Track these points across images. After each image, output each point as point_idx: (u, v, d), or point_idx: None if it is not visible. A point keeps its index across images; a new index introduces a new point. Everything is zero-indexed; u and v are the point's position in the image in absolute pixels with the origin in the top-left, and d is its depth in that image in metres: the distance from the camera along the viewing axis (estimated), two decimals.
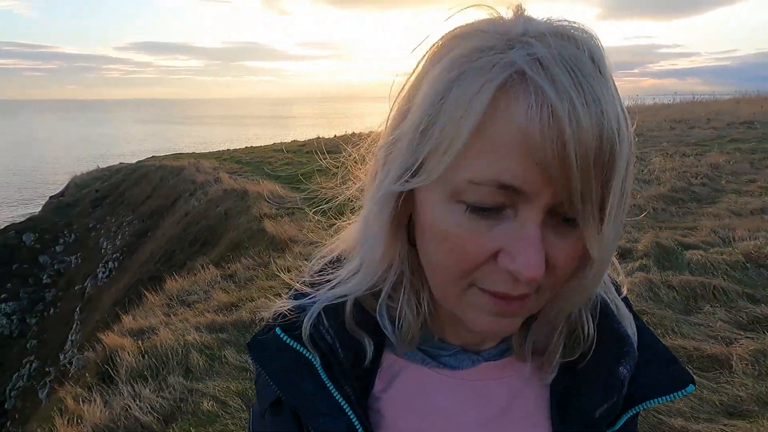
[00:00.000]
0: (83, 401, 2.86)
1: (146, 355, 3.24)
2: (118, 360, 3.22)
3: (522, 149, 0.40)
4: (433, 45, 0.46)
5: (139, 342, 3.44)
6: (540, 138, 0.39)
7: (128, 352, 3.27)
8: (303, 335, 0.54)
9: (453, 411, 0.55)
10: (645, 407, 0.55)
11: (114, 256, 12.97)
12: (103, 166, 21.63)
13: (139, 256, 11.71)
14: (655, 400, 0.54)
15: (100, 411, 2.63)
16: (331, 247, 0.61)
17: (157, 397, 2.79)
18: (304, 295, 0.57)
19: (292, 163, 14.56)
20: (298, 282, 0.59)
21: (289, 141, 22.53)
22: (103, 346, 3.51)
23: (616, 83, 0.43)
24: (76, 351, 8.90)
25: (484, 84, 0.40)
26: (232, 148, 21.71)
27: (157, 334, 3.56)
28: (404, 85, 0.49)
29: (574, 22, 0.43)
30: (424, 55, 0.47)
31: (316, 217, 0.63)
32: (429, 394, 0.56)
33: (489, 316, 0.47)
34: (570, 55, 0.40)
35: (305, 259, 4.28)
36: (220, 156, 18.27)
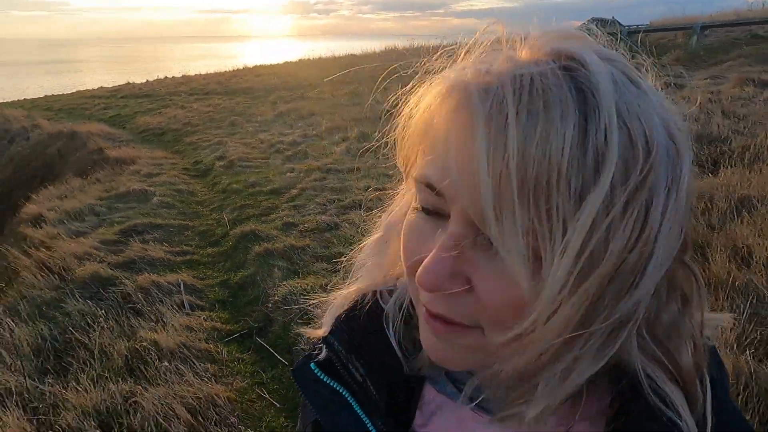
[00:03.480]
0: None
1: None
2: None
3: (449, 151, 0.39)
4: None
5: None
6: (462, 144, 0.37)
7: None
8: (334, 370, 0.53)
9: None
10: None
11: None
12: None
13: None
14: None
15: None
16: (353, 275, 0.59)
17: None
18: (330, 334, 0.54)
19: (110, 107, 15.39)
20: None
21: (97, 87, 22.19)
22: None
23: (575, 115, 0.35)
24: None
25: (435, 89, 0.42)
26: (29, 98, 20.72)
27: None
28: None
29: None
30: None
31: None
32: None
33: (428, 333, 0.44)
34: (520, 74, 0.37)
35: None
36: (23, 105, 17.81)
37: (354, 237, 4.04)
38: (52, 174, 10.48)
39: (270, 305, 3.42)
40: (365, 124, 8.54)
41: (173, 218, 5.37)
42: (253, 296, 3.64)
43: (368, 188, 5.38)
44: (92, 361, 2.86)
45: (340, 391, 0.53)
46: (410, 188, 0.47)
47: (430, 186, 0.40)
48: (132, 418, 2.35)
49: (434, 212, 0.42)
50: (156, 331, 3.05)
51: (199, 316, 3.34)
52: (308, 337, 0.57)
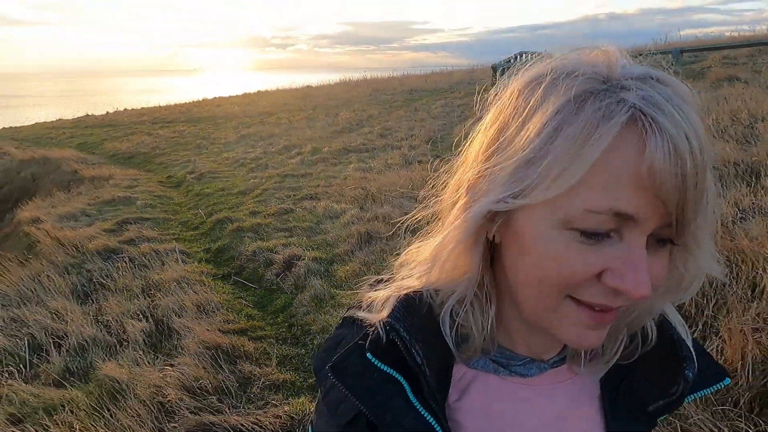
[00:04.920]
0: None
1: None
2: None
3: (642, 182, 0.44)
4: (536, 77, 0.49)
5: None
6: (665, 171, 0.42)
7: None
8: (388, 356, 0.56)
9: (524, 416, 0.59)
10: (688, 401, 0.61)
11: None
12: None
13: None
14: (697, 394, 0.61)
15: None
16: (398, 276, 0.63)
17: None
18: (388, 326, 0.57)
19: (75, 136, 16.20)
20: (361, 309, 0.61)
21: (56, 119, 22.77)
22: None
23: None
24: None
25: (608, 121, 0.44)
26: None
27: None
28: (496, 114, 0.52)
29: (658, 66, 0.48)
30: (521, 88, 0.50)
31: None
32: (502, 401, 0.59)
33: (582, 329, 0.50)
34: (673, 95, 0.44)
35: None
36: None
37: (305, 217, 5.38)
38: (27, 196, 11.25)
39: (243, 258, 4.67)
40: (318, 142, 9.94)
41: (158, 214, 6.53)
42: (229, 256, 4.88)
43: (317, 185, 6.73)
44: (117, 294, 4.02)
45: (395, 375, 0.56)
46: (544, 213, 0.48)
47: (620, 215, 0.45)
48: (155, 311, 3.55)
49: (597, 234, 0.46)
50: (161, 273, 4.24)
51: (191, 267, 4.54)
52: (354, 319, 0.61)
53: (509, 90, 0.52)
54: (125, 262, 4.63)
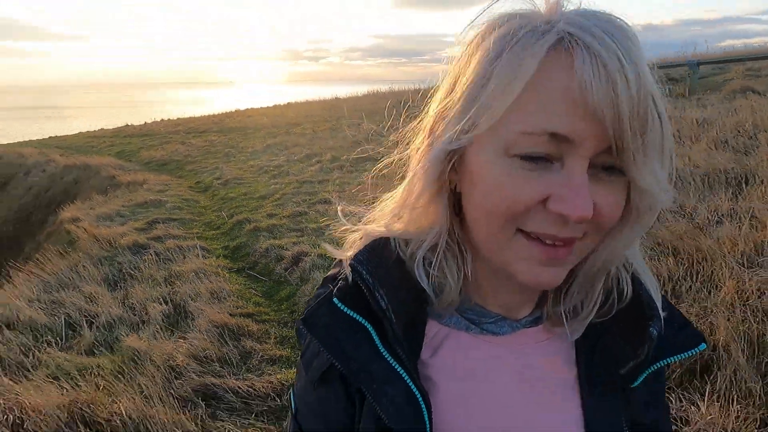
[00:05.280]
0: None
1: None
2: None
3: (573, 101, 0.44)
4: (478, 28, 0.52)
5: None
6: (594, 90, 0.43)
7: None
8: (354, 302, 0.56)
9: (494, 374, 0.59)
10: (662, 364, 0.59)
11: None
12: None
13: None
14: (672, 358, 0.59)
15: None
16: (371, 218, 0.63)
17: None
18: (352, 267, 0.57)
19: (115, 144, 17.21)
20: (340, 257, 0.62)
21: (98, 129, 24.01)
22: None
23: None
24: None
25: (536, 44, 0.45)
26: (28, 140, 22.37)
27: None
28: (451, 66, 0.54)
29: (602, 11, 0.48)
30: (468, 41, 0.52)
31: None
32: (473, 359, 0.59)
33: (536, 266, 0.50)
34: (609, 26, 0.45)
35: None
36: (32, 145, 19.55)
37: (318, 219, 5.78)
38: (69, 198, 12.08)
39: (257, 254, 5.10)
40: (338, 151, 10.39)
41: (184, 215, 7.06)
42: (245, 252, 5.32)
43: (332, 191, 7.14)
44: (142, 282, 4.49)
45: (360, 320, 0.56)
46: (481, 143, 0.49)
47: (556, 135, 0.45)
48: (174, 296, 4.00)
49: (538, 158, 0.47)
50: (182, 266, 4.70)
51: (210, 261, 5.00)
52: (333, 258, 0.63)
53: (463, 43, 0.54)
54: (151, 255, 5.11)
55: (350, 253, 0.59)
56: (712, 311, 2.72)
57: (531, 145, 0.47)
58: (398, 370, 0.55)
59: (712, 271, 3.09)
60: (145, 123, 24.01)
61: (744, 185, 4.61)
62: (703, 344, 0.61)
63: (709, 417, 2.10)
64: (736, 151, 5.77)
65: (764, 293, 2.79)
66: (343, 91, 29.04)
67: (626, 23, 0.47)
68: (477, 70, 0.49)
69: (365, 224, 0.63)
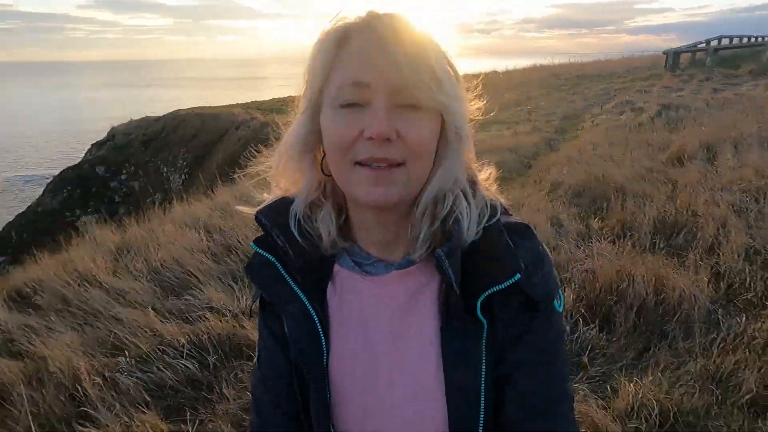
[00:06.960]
0: None
1: None
2: None
3: (364, 56, 0.63)
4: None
5: None
6: (372, 48, 0.62)
7: None
8: (264, 244, 0.75)
9: (369, 308, 0.73)
10: (486, 294, 0.66)
11: (184, 169, 16.90)
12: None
13: (205, 168, 15.47)
14: (492, 288, 0.66)
15: None
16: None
17: None
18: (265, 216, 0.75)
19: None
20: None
21: (286, 96, 27.35)
22: None
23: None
24: None
25: (331, 35, 0.65)
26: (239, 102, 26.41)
27: None
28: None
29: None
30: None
31: None
32: (353, 294, 0.73)
33: (367, 186, 0.64)
34: (385, 16, 0.64)
35: None
36: (238, 106, 23.27)
37: None
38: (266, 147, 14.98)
39: None
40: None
41: None
42: None
43: None
44: None
45: (268, 257, 0.74)
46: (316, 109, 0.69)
47: (358, 83, 0.62)
48: None
49: (354, 104, 0.63)
50: None
51: None
52: (243, 214, 0.78)
53: None
54: None
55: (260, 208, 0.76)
56: None
57: (346, 93, 0.64)
58: (297, 292, 0.72)
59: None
60: None
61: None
62: (518, 275, 0.66)
63: None
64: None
65: None
66: (507, 64, 27.07)
67: (407, 19, 0.65)
68: (310, 56, 0.69)
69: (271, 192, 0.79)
